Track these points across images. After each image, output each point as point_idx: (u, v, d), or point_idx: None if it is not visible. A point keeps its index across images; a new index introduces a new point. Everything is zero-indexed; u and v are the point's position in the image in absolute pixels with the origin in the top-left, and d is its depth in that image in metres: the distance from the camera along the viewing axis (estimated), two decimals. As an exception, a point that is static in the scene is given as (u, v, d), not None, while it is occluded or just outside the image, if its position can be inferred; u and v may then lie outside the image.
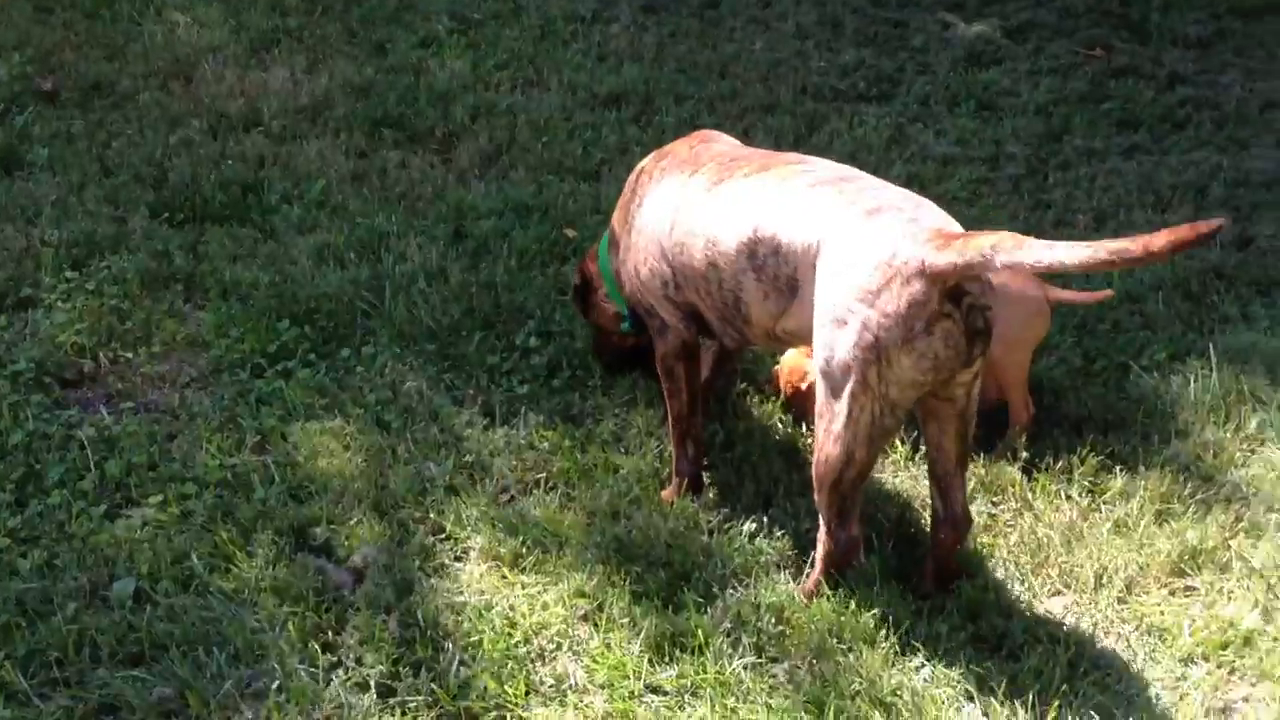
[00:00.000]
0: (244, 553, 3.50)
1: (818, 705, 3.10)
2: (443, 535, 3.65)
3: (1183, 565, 3.64)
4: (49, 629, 3.22)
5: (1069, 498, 3.87)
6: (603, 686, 3.16)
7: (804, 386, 4.04)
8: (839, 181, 3.34)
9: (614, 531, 3.59)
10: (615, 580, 3.45)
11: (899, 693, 3.16)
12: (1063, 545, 3.68)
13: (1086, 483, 3.93)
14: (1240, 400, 4.32)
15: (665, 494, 3.83)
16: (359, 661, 3.18)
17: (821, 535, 3.42)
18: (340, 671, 3.16)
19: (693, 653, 3.25)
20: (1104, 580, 3.58)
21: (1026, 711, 3.10)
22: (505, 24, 7.32)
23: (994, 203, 5.55)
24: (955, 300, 3.06)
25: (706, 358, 4.07)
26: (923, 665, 3.25)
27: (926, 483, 3.52)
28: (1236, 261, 5.19)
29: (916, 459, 3.94)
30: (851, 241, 3.14)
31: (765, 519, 3.72)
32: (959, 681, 3.19)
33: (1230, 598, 3.52)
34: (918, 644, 3.30)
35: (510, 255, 4.98)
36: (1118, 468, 3.97)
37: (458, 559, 3.57)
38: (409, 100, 6.27)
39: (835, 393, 3.19)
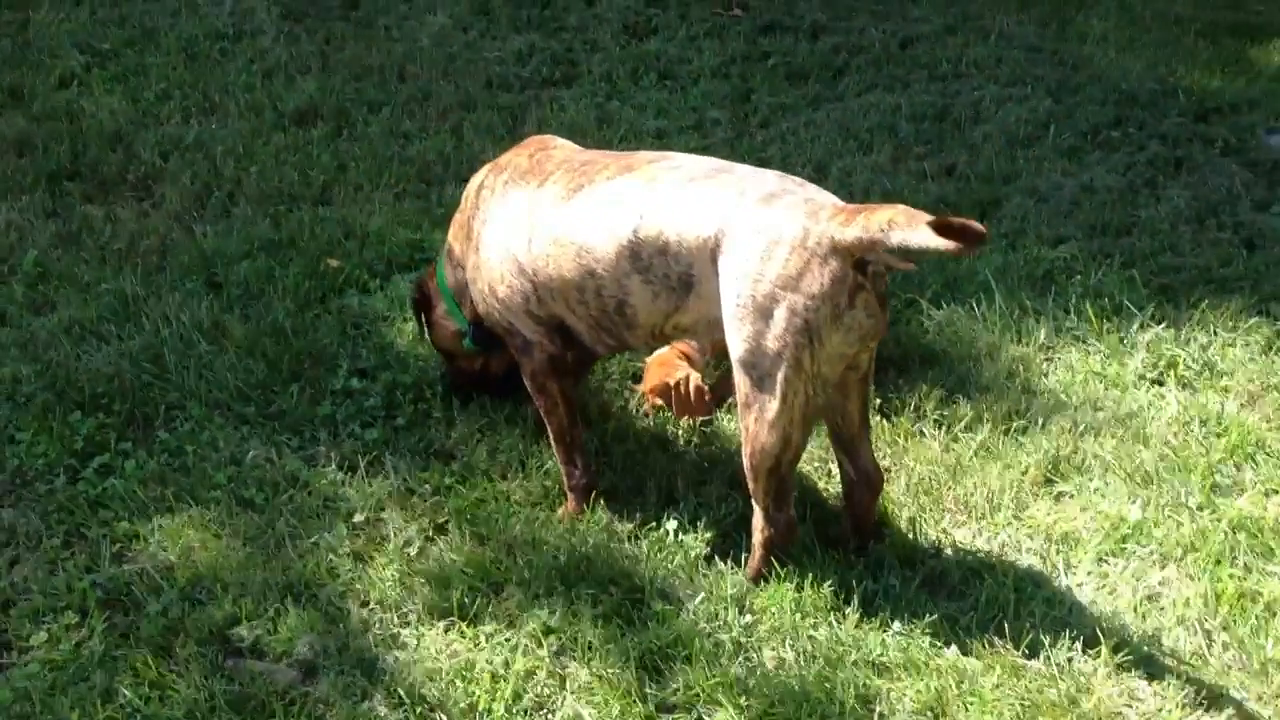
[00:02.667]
0: (173, 674, 3.10)
1: (822, 681, 3.14)
2: (371, 604, 3.38)
3: (1049, 475, 3.94)
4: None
5: (929, 434, 4.09)
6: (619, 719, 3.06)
7: (673, 382, 4.03)
8: (715, 173, 3.33)
9: (542, 561, 3.45)
10: (574, 608, 3.34)
11: (885, 651, 3.25)
12: (948, 478, 3.88)
13: (937, 416, 4.16)
14: (1024, 314, 4.71)
15: (563, 512, 3.73)
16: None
17: (758, 521, 3.45)
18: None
19: (685, 661, 3.20)
20: (995, 503, 3.82)
21: (1002, 640, 3.27)
22: (143, 50, 6.76)
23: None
24: (862, 270, 3.16)
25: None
26: (890, 620, 3.35)
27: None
28: (954, 189, 5.62)
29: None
30: (756, 230, 3.14)
31: (677, 515, 3.68)
32: (930, 629, 3.31)
33: (1103, 495, 3.85)
34: (879, 603, 3.40)
35: (283, 297, 4.64)
36: (958, 398, 4.23)
37: (404, 625, 3.32)
38: (78, 147, 5.68)
39: (763, 381, 3.21)
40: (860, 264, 3.13)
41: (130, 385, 4.11)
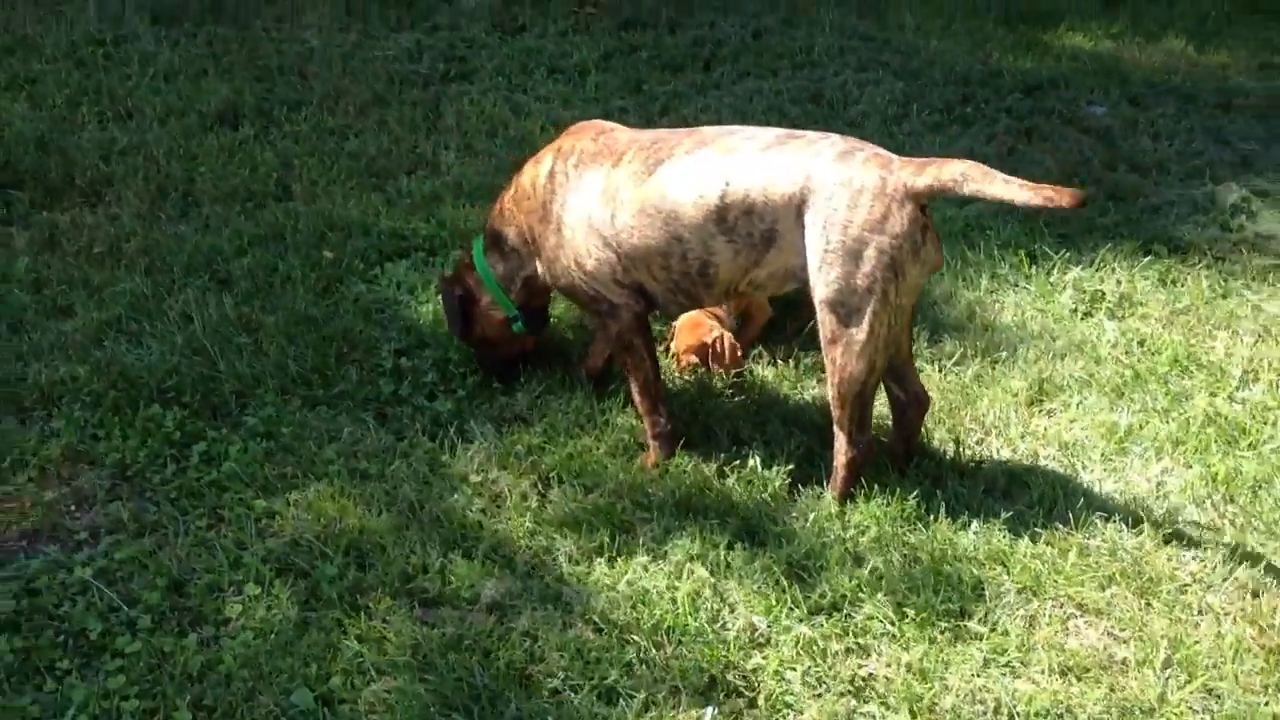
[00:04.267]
0: (380, 626, 3.31)
1: (938, 574, 3.63)
2: (526, 551, 3.65)
3: (1036, 396, 4.57)
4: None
5: (928, 368, 4.65)
6: (799, 620, 3.45)
7: (709, 340, 4.43)
8: (788, 138, 3.72)
9: (659, 501, 3.78)
10: (707, 537, 3.69)
11: (975, 547, 3.77)
12: (961, 403, 4.45)
13: (928, 354, 4.73)
14: (965, 264, 5.35)
15: (648, 459, 4.07)
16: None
17: (842, 445, 3.88)
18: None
19: (819, 570, 3.62)
20: (1005, 420, 4.41)
21: (1066, 527, 3.84)
22: (27, 58, 6.59)
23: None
24: (924, 211, 3.68)
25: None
26: (969, 521, 3.88)
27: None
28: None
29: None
30: (841, 183, 3.57)
31: (754, 452, 4.08)
32: (1004, 525, 3.84)
33: (1086, 408, 4.50)
34: (955, 508, 3.91)
35: (294, 288, 4.78)
36: (940, 336, 4.81)
37: (571, 563, 3.60)
38: (8, 156, 5.56)
39: (851, 316, 3.64)
40: (922, 206, 3.63)
41: (191, 378, 4.16)
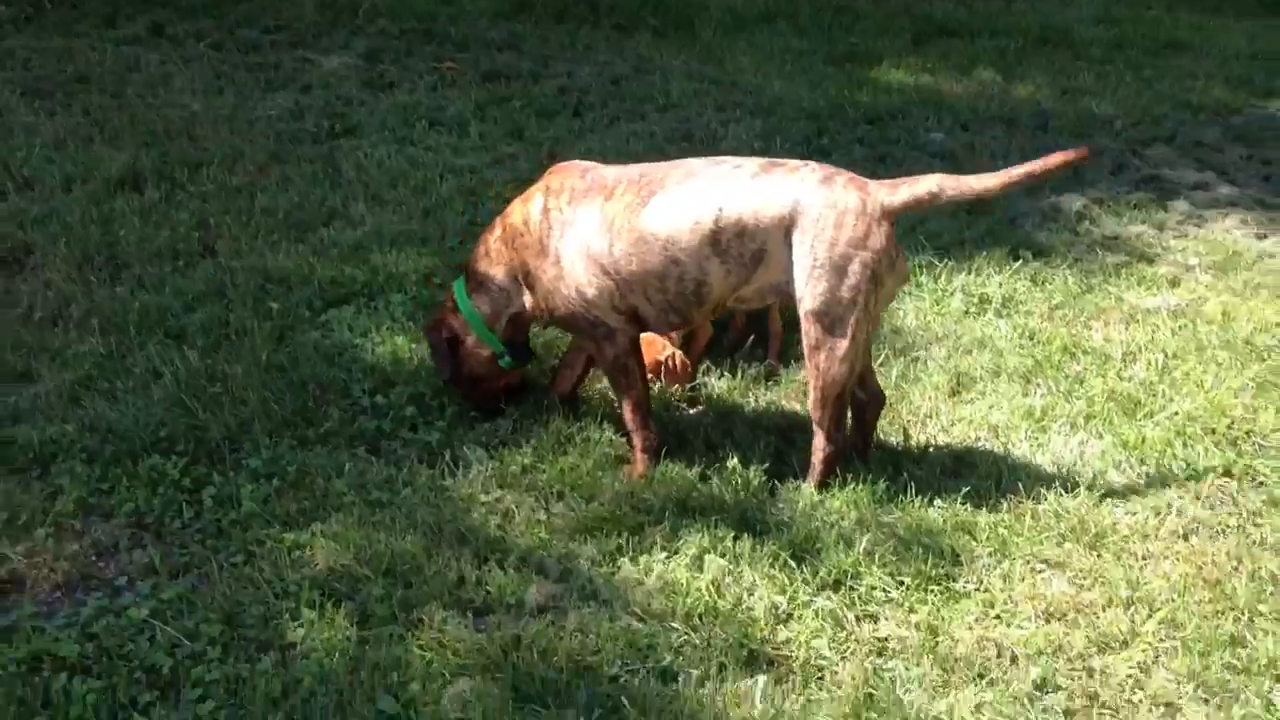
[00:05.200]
0: (437, 635, 3.51)
1: (919, 546, 4.03)
2: (552, 557, 3.89)
3: (957, 388, 5.05)
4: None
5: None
6: (812, 595, 3.79)
7: (663, 358, 4.77)
8: (771, 166, 4.10)
9: (659, 504, 4.07)
10: (711, 531, 4.00)
11: (943, 520, 4.19)
12: (895, 398, 4.89)
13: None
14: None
15: (634, 471, 4.35)
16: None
17: (820, 442, 4.25)
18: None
19: (817, 553, 3.97)
20: (934, 411, 4.87)
21: (1015, 496, 4.30)
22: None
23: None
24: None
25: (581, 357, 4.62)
26: (931, 501, 4.29)
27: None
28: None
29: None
30: (825, 205, 3.97)
31: (729, 455, 4.42)
32: (964, 499, 4.26)
33: (1001, 394, 5.00)
34: (917, 489, 4.33)
35: (249, 339, 4.91)
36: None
37: (594, 565, 3.86)
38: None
39: (835, 326, 4.01)
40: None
41: (179, 428, 4.26)
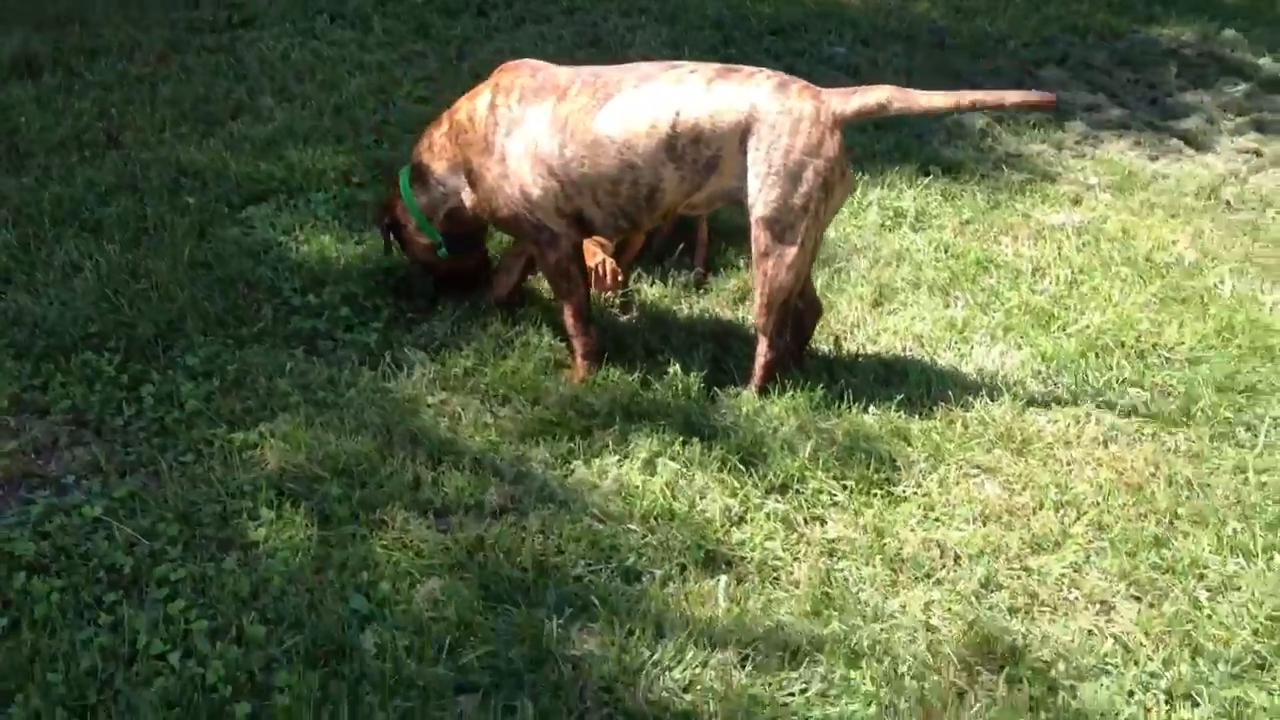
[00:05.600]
0: (402, 536, 3.49)
1: (859, 451, 4.14)
2: (507, 458, 3.90)
3: (879, 299, 5.17)
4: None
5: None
6: (761, 498, 3.87)
7: (592, 264, 4.75)
8: (727, 73, 4.07)
9: (604, 407, 4.10)
10: (659, 435, 4.04)
11: (879, 426, 4.31)
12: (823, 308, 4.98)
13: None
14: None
15: (575, 375, 4.36)
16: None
17: (763, 348, 4.30)
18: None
19: (762, 458, 4.05)
20: (861, 320, 4.98)
21: (945, 404, 4.44)
22: None
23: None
24: None
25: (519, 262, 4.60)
26: (865, 408, 4.40)
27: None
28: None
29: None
30: (782, 112, 3.98)
31: (670, 361, 4.45)
32: (897, 406, 4.37)
33: (922, 306, 5.14)
34: (854, 395, 4.43)
35: (168, 233, 4.76)
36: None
37: (550, 467, 3.87)
38: None
39: (785, 233, 4.05)
40: None
41: (108, 324, 4.13)
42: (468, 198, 4.25)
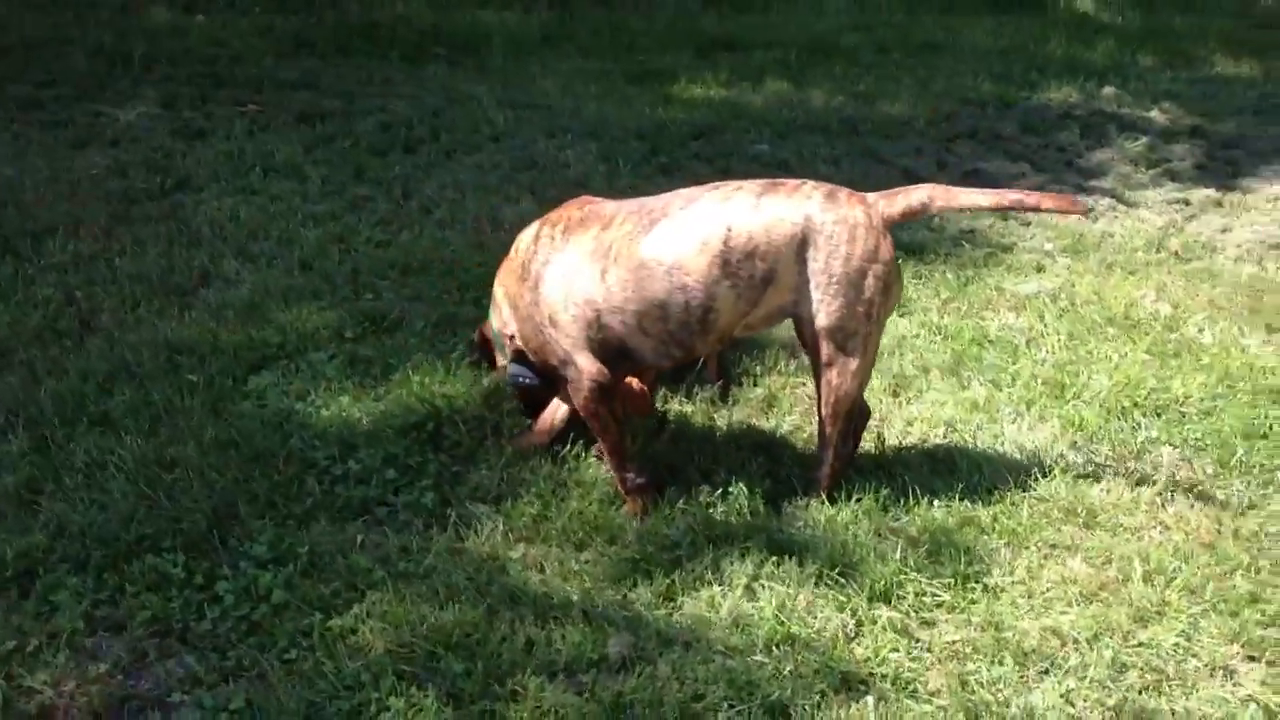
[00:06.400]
0: (538, 696, 3.35)
1: (943, 546, 4.13)
2: (612, 607, 3.78)
3: (896, 388, 5.20)
4: None
5: (804, 384, 5.16)
6: (868, 608, 3.82)
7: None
8: (774, 186, 4.05)
9: (677, 538, 4.04)
10: (746, 559, 3.97)
11: (951, 520, 4.30)
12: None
13: (797, 369, 5.25)
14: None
15: (631, 508, 4.27)
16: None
17: (828, 456, 4.26)
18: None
19: (857, 565, 4.01)
20: (887, 413, 5.00)
21: (1002, 486, 4.47)
22: None
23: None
24: None
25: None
26: (932, 502, 4.40)
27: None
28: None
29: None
30: (837, 220, 3.98)
31: (730, 481, 4.38)
32: (959, 499, 4.39)
33: (944, 390, 5.19)
34: (916, 490, 4.43)
35: (188, 415, 4.56)
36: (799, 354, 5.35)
37: (656, 607, 3.77)
38: None
39: (847, 341, 4.04)
40: None
41: (157, 523, 3.91)
42: (514, 329, 4.18)
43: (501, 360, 4.39)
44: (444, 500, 4.20)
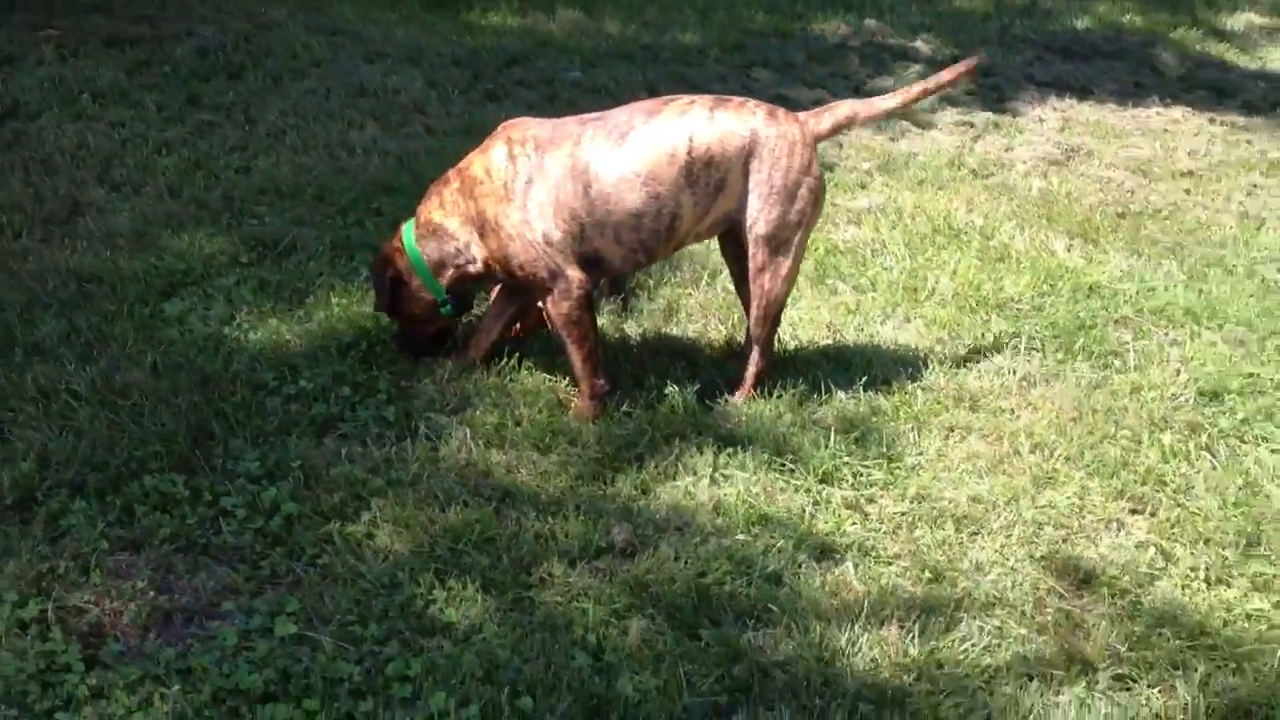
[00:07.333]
0: (567, 583, 3.64)
1: (854, 432, 4.62)
2: (595, 498, 4.08)
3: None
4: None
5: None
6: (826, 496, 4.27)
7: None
8: (720, 102, 4.36)
9: (634, 436, 4.35)
10: (704, 452, 4.33)
11: (861, 411, 4.81)
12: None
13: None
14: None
15: (582, 412, 4.54)
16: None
17: (755, 357, 4.65)
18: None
19: (801, 454, 4.43)
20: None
21: (889, 379, 5.01)
22: None
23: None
24: None
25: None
26: (834, 395, 4.89)
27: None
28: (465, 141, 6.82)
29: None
30: (778, 135, 4.35)
31: (663, 385, 4.72)
32: (863, 390, 4.90)
33: (815, 297, 5.69)
34: (824, 386, 4.91)
35: (117, 343, 4.56)
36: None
37: (638, 497, 4.09)
38: None
39: (781, 247, 4.44)
40: None
41: (141, 445, 3.96)
42: (479, 251, 4.33)
43: (428, 296, 4.51)
44: (406, 413, 4.35)
